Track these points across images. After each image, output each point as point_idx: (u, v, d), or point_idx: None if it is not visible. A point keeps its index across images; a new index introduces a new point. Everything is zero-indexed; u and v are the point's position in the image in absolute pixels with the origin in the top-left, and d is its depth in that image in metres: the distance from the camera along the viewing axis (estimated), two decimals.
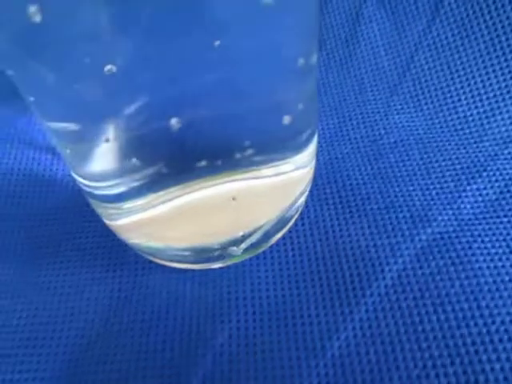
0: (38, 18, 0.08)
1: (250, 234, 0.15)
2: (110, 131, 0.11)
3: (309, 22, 0.12)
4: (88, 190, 0.14)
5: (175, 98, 0.10)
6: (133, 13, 0.08)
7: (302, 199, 0.17)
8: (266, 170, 0.13)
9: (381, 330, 0.15)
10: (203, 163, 0.12)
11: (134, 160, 0.12)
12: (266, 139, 0.13)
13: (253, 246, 0.15)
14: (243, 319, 0.15)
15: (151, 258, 0.16)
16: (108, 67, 0.09)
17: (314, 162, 0.17)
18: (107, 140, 0.11)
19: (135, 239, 0.15)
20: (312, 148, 0.15)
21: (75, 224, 0.18)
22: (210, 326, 0.15)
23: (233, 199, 0.13)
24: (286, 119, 0.13)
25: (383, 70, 0.22)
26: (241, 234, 0.14)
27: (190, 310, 0.15)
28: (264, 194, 0.14)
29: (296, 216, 0.17)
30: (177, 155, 0.12)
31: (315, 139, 0.16)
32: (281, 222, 0.16)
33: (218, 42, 0.09)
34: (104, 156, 0.12)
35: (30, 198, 0.19)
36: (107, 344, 0.15)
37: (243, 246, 0.15)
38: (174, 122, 0.11)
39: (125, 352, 0.15)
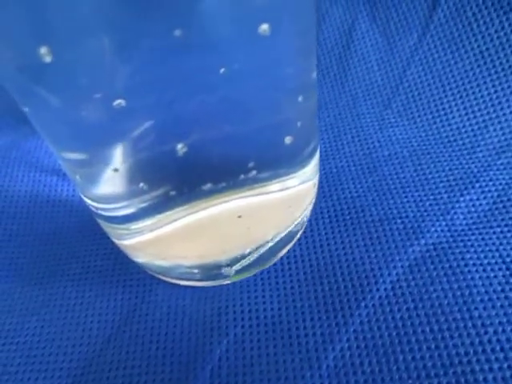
0: (48, 59, 0.09)
1: (257, 250, 0.15)
2: (118, 158, 0.11)
3: (307, 43, 0.12)
4: (96, 210, 0.15)
5: (180, 123, 0.11)
6: (137, 42, 0.09)
7: (308, 212, 0.17)
8: (271, 187, 0.14)
9: (375, 341, 0.15)
10: (209, 184, 0.12)
11: (142, 184, 0.12)
12: (271, 157, 0.13)
13: (260, 260, 0.16)
14: (240, 332, 0.15)
15: (158, 276, 0.17)
16: (117, 101, 0.10)
17: (317, 176, 0.17)
18: (115, 169, 0.12)
19: (142, 258, 0.16)
20: (315, 161, 0.16)
21: (81, 243, 0.19)
22: (209, 339, 0.15)
23: (239, 217, 0.14)
24: (289, 137, 0.13)
25: (376, 85, 0.23)
26: (248, 250, 0.15)
27: (189, 324, 0.16)
28: (270, 210, 0.15)
29: (301, 230, 0.18)
30: (183, 178, 0.12)
31: (317, 153, 0.16)
32: (288, 236, 0.16)
33: (222, 70, 0.10)
34: (112, 180, 0.13)
35: (36, 219, 0.20)
36: (110, 359, 0.15)
37: (249, 261, 0.16)
38: (179, 146, 0.11)
39: (126, 366, 0.15)
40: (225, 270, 0.15)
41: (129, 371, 0.15)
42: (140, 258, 0.16)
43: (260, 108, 0.12)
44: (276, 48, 0.11)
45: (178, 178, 0.12)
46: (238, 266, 0.15)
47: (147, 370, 0.15)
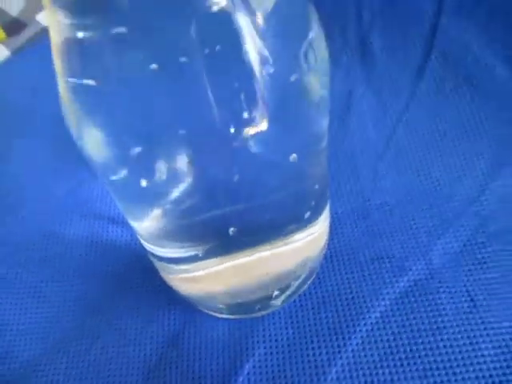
0: (144, 184, 0.13)
1: (285, 290, 0.20)
2: (178, 228, 0.16)
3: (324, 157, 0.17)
4: (150, 250, 0.19)
5: (233, 213, 0.15)
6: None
7: (324, 250, 0.22)
8: (296, 236, 0.18)
9: (367, 358, 0.20)
10: (243, 241, 0.17)
11: (187, 242, 0.17)
12: (295, 218, 0.17)
13: (288, 298, 0.20)
14: (263, 352, 0.20)
15: (198, 306, 0.21)
16: (187, 203, 0.14)
17: (329, 217, 0.21)
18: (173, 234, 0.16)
19: (184, 292, 0.20)
20: (328, 206, 0.20)
21: (134, 277, 0.23)
22: (239, 357, 0.20)
23: (265, 265, 0.18)
24: (313, 202, 0.17)
25: (371, 141, 0.27)
26: (276, 293, 0.19)
27: (223, 345, 0.20)
28: (296, 254, 0.19)
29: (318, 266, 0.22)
30: (223, 239, 0.17)
31: (328, 204, 0.20)
32: (311, 274, 0.21)
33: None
34: (166, 238, 0.17)
35: (92, 259, 0.25)
36: (163, 373, 0.20)
37: (280, 300, 0.20)
38: (231, 229, 0.15)
39: (177, 380, 0.20)
40: (254, 309, 0.20)
41: None
42: (182, 292, 0.21)
43: (290, 195, 0.16)
44: (301, 167, 0.15)
45: (219, 239, 0.17)
46: (265, 306, 0.20)
47: (193, 383, 0.19)
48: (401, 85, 0.27)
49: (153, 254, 0.19)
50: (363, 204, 0.25)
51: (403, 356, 0.20)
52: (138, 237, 0.19)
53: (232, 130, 0.12)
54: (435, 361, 0.19)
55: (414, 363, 0.19)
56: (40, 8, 0.49)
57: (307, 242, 0.19)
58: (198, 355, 0.20)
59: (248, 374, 0.19)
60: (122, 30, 0.10)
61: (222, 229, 0.16)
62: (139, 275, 0.24)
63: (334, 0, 0.28)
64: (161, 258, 0.19)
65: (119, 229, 0.26)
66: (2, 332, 0.22)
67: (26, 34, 0.46)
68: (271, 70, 0.12)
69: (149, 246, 0.19)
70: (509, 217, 0.23)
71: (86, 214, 0.27)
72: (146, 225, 0.17)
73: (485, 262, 0.22)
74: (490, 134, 0.25)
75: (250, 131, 0.12)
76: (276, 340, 0.20)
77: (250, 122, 0.12)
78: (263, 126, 0.12)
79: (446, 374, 0.19)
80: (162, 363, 0.20)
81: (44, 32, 0.47)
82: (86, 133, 0.13)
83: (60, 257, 0.25)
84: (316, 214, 0.18)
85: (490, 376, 0.18)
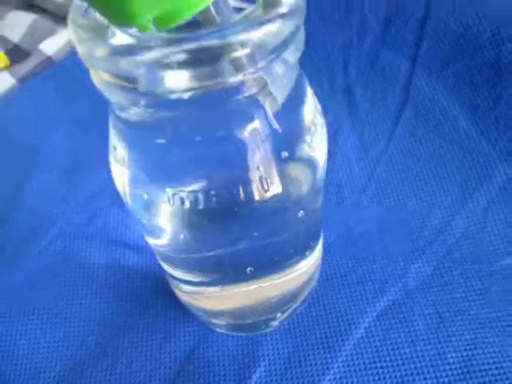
0: (185, 236, 0.17)
1: (286, 311, 0.23)
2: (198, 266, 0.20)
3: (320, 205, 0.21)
4: (168, 271, 0.22)
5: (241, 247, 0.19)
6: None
7: (318, 275, 0.25)
8: (299, 265, 0.22)
9: (355, 367, 0.24)
10: (248, 273, 0.20)
11: (199, 273, 0.20)
12: (298, 253, 0.21)
13: (287, 317, 0.24)
14: (268, 363, 0.24)
15: (207, 324, 0.25)
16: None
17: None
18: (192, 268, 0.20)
19: (193, 308, 0.24)
20: (321, 241, 0.24)
21: (153, 297, 0.27)
22: (247, 369, 0.23)
23: (268, 291, 0.22)
24: (310, 242, 0.21)
25: (355, 176, 0.31)
26: (278, 314, 0.23)
27: (233, 358, 0.24)
28: (300, 278, 0.23)
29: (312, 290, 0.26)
30: (231, 273, 0.20)
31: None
32: (307, 296, 0.25)
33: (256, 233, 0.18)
34: (185, 268, 0.21)
35: (113, 282, 0.28)
36: None
37: (280, 320, 0.24)
38: (248, 269, 0.19)
39: None
40: (259, 328, 0.23)
41: None
42: (191, 308, 0.24)
43: (291, 239, 0.20)
44: (305, 222, 0.19)
45: (230, 273, 0.20)
46: (267, 325, 0.23)
47: None
48: (380, 129, 0.31)
49: (173, 276, 0.22)
50: (348, 233, 0.29)
51: (384, 365, 0.24)
52: (160, 262, 0.22)
53: (255, 196, 0.15)
54: (410, 368, 0.23)
55: (393, 371, 0.23)
56: (42, 36, 0.52)
57: (306, 269, 0.22)
58: (212, 367, 0.24)
59: (256, 382, 0.23)
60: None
61: (234, 265, 0.20)
62: (155, 296, 0.27)
63: (325, 57, 0.32)
64: (173, 277, 0.22)
65: (135, 254, 0.29)
66: (35, 350, 0.25)
67: (31, 62, 0.49)
68: (286, 154, 0.15)
69: (171, 271, 0.22)
70: (470, 245, 0.28)
71: (104, 240, 0.30)
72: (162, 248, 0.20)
73: (451, 284, 0.26)
74: (455, 174, 0.29)
75: (267, 195, 0.16)
76: (278, 353, 0.24)
77: (266, 190, 0.16)
78: (278, 190, 0.16)
79: (419, 379, 0.23)
80: (181, 376, 0.24)
81: (48, 61, 0.49)
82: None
83: (82, 280, 0.28)
84: (314, 246, 0.22)
85: (454, 380, 0.22)
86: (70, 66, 0.45)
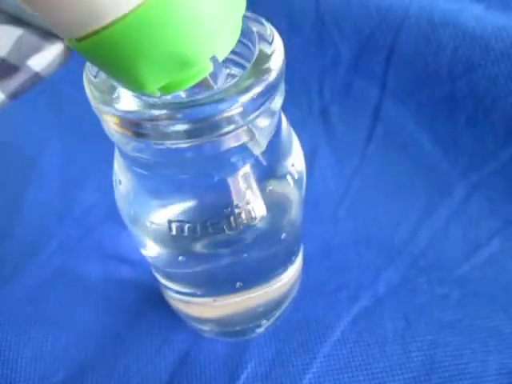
0: (181, 258, 0.19)
1: (270, 318, 0.26)
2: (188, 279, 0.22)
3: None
4: (161, 281, 0.25)
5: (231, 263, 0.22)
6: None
7: (299, 283, 0.28)
8: (282, 277, 0.24)
9: (332, 367, 0.26)
10: (237, 287, 0.23)
11: (190, 286, 0.23)
12: (281, 266, 0.24)
13: (272, 323, 0.27)
14: (254, 365, 0.26)
15: (198, 330, 0.27)
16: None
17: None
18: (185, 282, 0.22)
19: (184, 315, 0.26)
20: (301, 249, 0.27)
21: (147, 307, 0.29)
22: (236, 369, 0.26)
23: (259, 300, 0.24)
24: (292, 256, 0.24)
25: (331, 192, 0.34)
26: (264, 321, 0.26)
27: (223, 360, 0.26)
28: (283, 288, 0.25)
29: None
30: (223, 288, 0.23)
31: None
32: (289, 304, 0.27)
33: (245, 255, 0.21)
34: (177, 278, 0.23)
35: (109, 292, 0.30)
36: None
37: (265, 327, 0.26)
38: (237, 284, 0.22)
39: None
40: (246, 333, 0.26)
41: None
42: (181, 315, 0.27)
43: (275, 256, 0.23)
44: (288, 240, 0.22)
45: (221, 287, 0.23)
46: (256, 332, 0.26)
47: None
48: (354, 149, 0.34)
49: (166, 286, 0.25)
50: (326, 245, 0.32)
51: (357, 364, 0.26)
52: (155, 274, 0.25)
53: (244, 224, 0.18)
54: (380, 366, 0.26)
55: (365, 369, 0.26)
56: (30, 52, 0.53)
57: (288, 280, 0.25)
58: (203, 370, 0.26)
59: (244, 383, 0.26)
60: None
61: (224, 281, 0.22)
62: (149, 305, 0.29)
63: (303, 83, 0.35)
64: (166, 287, 0.25)
65: (129, 268, 0.31)
66: (38, 358, 0.27)
67: (20, 77, 0.50)
68: (270, 187, 0.18)
69: (163, 281, 0.24)
70: (434, 254, 0.31)
71: (100, 255, 0.32)
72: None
73: (417, 290, 0.29)
74: (420, 190, 0.33)
75: (254, 223, 0.19)
76: (263, 356, 0.27)
77: (254, 219, 0.18)
78: (262, 219, 0.19)
79: (387, 375, 0.26)
80: (175, 378, 0.26)
81: (36, 77, 0.50)
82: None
83: (80, 292, 0.30)
84: (295, 259, 0.25)
85: (418, 376, 0.26)
86: (60, 81, 0.46)
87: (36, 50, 0.53)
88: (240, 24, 0.14)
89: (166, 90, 0.13)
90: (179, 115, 0.13)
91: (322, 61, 0.33)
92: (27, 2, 0.10)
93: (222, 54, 0.13)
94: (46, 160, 0.39)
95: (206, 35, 0.12)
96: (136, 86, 0.13)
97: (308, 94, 0.35)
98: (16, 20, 0.56)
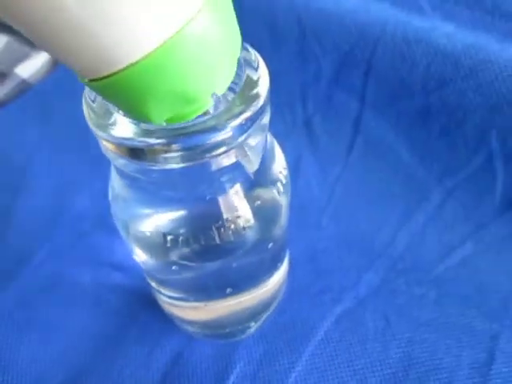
0: (175, 268, 0.21)
1: (258, 321, 0.28)
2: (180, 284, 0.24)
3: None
4: (154, 286, 0.26)
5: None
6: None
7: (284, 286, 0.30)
8: (269, 281, 0.26)
9: (317, 365, 0.28)
10: (228, 292, 0.24)
11: (182, 291, 0.24)
12: (269, 271, 0.25)
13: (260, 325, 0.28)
14: (244, 364, 0.28)
15: (189, 332, 0.29)
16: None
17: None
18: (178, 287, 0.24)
19: (174, 317, 0.27)
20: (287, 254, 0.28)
21: (139, 311, 0.30)
22: (225, 369, 0.27)
23: (247, 304, 0.26)
24: (278, 263, 0.25)
25: (315, 198, 0.36)
26: (252, 323, 0.27)
27: (213, 360, 0.28)
28: (270, 292, 0.27)
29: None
30: (214, 293, 0.24)
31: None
32: (275, 307, 0.29)
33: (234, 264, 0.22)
34: (169, 284, 0.24)
35: (102, 297, 0.31)
36: None
37: (255, 327, 0.28)
38: (228, 290, 0.23)
39: None
40: (236, 335, 0.28)
41: None
42: (172, 316, 0.28)
43: (266, 258, 0.24)
44: (275, 248, 0.23)
45: (212, 293, 0.24)
46: (244, 333, 0.28)
47: None
48: (336, 157, 0.36)
49: (159, 291, 0.26)
50: (310, 249, 0.34)
51: (340, 361, 0.28)
52: (148, 280, 0.26)
53: (234, 235, 0.20)
54: (361, 363, 0.28)
55: (348, 366, 0.28)
56: (17, 59, 0.54)
57: (274, 284, 0.27)
58: (195, 371, 0.28)
59: (233, 382, 0.27)
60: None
61: (215, 287, 0.24)
62: (142, 310, 0.30)
63: (287, 96, 0.37)
64: (159, 291, 0.26)
65: (121, 274, 0.32)
66: (36, 362, 0.28)
67: (8, 85, 0.50)
68: (259, 202, 0.20)
69: (156, 287, 0.26)
70: (412, 256, 0.33)
71: (91, 261, 0.33)
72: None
73: (396, 291, 0.31)
74: (399, 196, 0.35)
75: (244, 233, 0.20)
76: (251, 356, 0.28)
77: (243, 229, 0.20)
78: (252, 228, 0.20)
79: (368, 372, 0.28)
80: (168, 379, 0.27)
81: (24, 84, 0.51)
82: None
83: (74, 298, 0.31)
84: (280, 265, 0.26)
85: (396, 371, 0.27)
86: (48, 89, 0.47)
87: (24, 57, 0.54)
88: (236, 64, 0.15)
89: (170, 121, 0.15)
90: (175, 145, 0.14)
91: (305, 75, 0.35)
92: (41, 46, 0.11)
93: (221, 91, 0.15)
94: (36, 167, 0.40)
95: (207, 76, 0.13)
96: (143, 119, 0.14)
97: (292, 106, 0.37)
98: (3, 27, 0.57)
